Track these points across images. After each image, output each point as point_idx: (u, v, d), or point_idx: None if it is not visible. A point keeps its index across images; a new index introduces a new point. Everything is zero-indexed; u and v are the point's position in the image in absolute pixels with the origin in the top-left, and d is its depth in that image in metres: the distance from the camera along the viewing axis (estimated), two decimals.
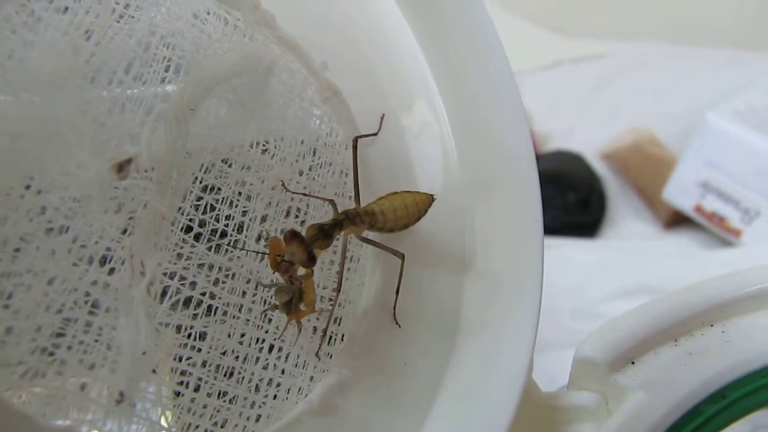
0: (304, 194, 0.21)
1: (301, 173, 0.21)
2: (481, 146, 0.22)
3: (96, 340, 0.16)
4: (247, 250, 0.19)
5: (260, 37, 0.21)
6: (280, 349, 0.19)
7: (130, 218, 0.17)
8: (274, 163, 0.20)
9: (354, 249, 0.21)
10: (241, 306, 0.19)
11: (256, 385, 0.19)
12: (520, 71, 0.78)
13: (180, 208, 0.18)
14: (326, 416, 0.19)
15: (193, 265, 0.18)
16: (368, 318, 0.20)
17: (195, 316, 0.18)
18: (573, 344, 0.20)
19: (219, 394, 0.18)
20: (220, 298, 0.19)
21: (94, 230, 0.17)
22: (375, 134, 0.22)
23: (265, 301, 0.19)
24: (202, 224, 0.19)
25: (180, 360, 0.18)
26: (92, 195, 0.16)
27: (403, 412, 0.19)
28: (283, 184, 0.20)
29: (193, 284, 0.18)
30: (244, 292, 0.19)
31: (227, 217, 0.19)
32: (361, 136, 0.22)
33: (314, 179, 0.21)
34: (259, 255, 0.20)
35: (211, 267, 0.19)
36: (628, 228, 0.65)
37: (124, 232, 0.17)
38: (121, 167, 0.17)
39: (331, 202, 0.21)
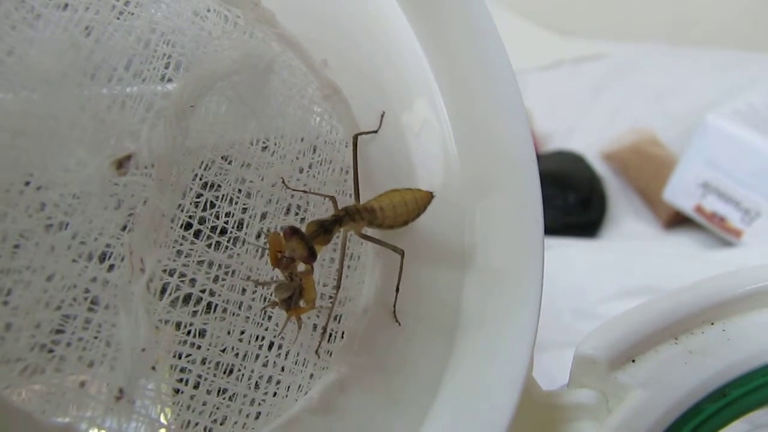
0: (304, 191, 0.21)
1: (301, 170, 0.21)
2: (481, 145, 0.22)
3: (95, 337, 0.16)
4: (248, 246, 0.19)
5: (260, 34, 0.21)
6: (279, 347, 0.19)
7: (130, 215, 0.17)
8: (274, 161, 0.20)
9: (354, 246, 0.21)
10: (241, 303, 0.19)
11: (256, 382, 0.19)
12: (521, 71, 0.78)
13: (180, 205, 0.18)
14: (326, 414, 0.19)
15: (193, 262, 0.18)
16: (368, 316, 0.20)
17: (194, 313, 0.18)
18: (573, 344, 0.20)
19: (218, 391, 0.18)
20: (219, 295, 0.19)
21: (93, 227, 0.17)
22: (375, 131, 0.22)
23: (265, 299, 0.19)
24: (201, 221, 0.19)
25: (179, 357, 0.18)
26: (92, 192, 0.16)
27: (402, 410, 0.19)
28: (283, 182, 0.20)
29: (192, 281, 0.18)
30: (243, 289, 0.19)
31: (227, 214, 0.19)
32: (361, 134, 0.22)
33: (314, 177, 0.21)
34: (259, 252, 0.19)
35: (210, 264, 0.19)
36: (628, 228, 0.65)
37: (124, 228, 0.17)
38: (121, 164, 0.17)
39: (332, 198, 0.21)
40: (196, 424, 0.18)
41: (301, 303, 0.18)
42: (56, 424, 0.15)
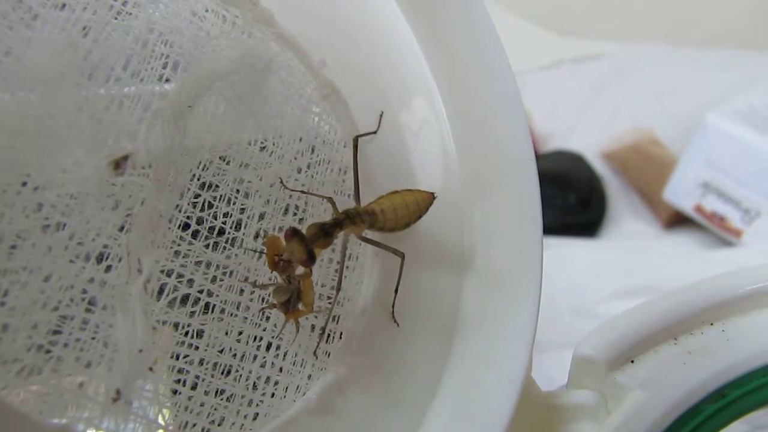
0: (303, 192, 0.21)
1: (299, 171, 0.21)
2: (480, 145, 0.22)
3: (93, 338, 0.16)
4: (245, 249, 0.19)
5: (259, 34, 0.21)
6: (277, 347, 0.19)
7: (127, 215, 0.17)
8: (273, 161, 0.20)
9: (352, 247, 0.21)
10: (239, 304, 0.19)
11: (254, 383, 0.19)
12: (520, 71, 0.78)
13: (177, 206, 0.18)
14: (324, 415, 0.19)
15: (191, 262, 0.18)
16: (367, 316, 0.20)
17: (192, 313, 0.18)
18: (573, 344, 0.20)
19: (216, 392, 0.18)
20: (217, 295, 0.19)
21: (90, 227, 0.17)
22: (374, 132, 0.22)
23: (263, 299, 0.19)
24: (199, 221, 0.19)
25: (177, 358, 0.18)
26: (89, 192, 0.16)
27: (401, 411, 0.19)
28: (281, 182, 0.20)
29: (190, 282, 0.18)
30: (241, 290, 0.19)
31: (225, 215, 0.19)
32: (361, 135, 0.22)
33: (313, 177, 0.21)
34: (257, 253, 0.19)
35: (208, 264, 0.19)
36: (628, 228, 0.65)
37: (121, 229, 0.17)
38: (118, 164, 0.17)
39: (330, 200, 0.21)
40: (194, 425, 0.18)
41: (300, 306, 0.18)
42: (53, 425, 0.15)
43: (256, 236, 0.20)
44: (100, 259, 0.17)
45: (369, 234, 0.21)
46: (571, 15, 0.91)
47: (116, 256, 0.17)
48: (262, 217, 0.20)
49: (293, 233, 0.18)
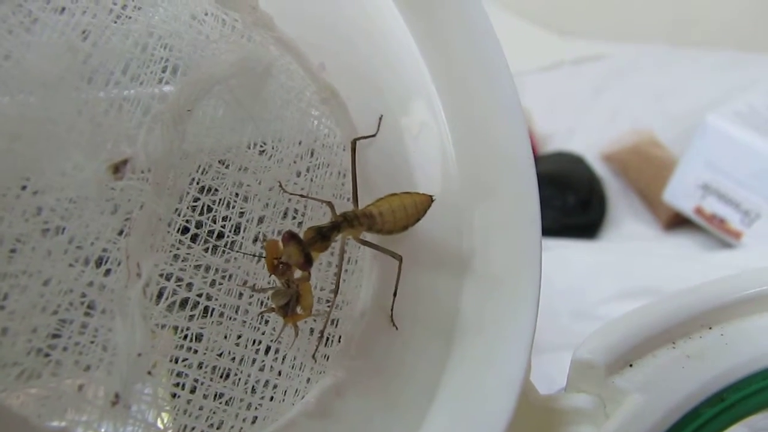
0: (302, 196, 0.21)
1: (298, 174, 0.21)
2: (479, 147, 0.22)
3: (92, 342, 0.16)
4: (244, 252, 0.19)
5: (258, 38, 0.21)
6: (276, 351, 0.19)
7: (127, 219, 0.17)
8: (272, 165, 0.20)
9: (351, 250, 0.21)
10: (238, 307, 0.19)
11: (253, 386, 0.19)
12: (520, 72, 0.78)
13: (177, 210, 0.18)
14: (322, 418, 0.19)
15: (190, 266, 0.18)
16: (365, 319, 0.20)
17: (191, 317, 0.18)
18: (572, 346, 0.20)
19: (215, 395, 0.18)
20: (216, 299, 0.19)
21: (90, 231, 0.17)
22: (373, 136, 0.22)
23: (261, 303, 0.19)
24: (198, 225, 0.19)
25: (176, 361, 0.18)
26: (88, 196, 0.16)
27: (399, 414, 0.19)
28: (280, 186, 0.20)
29: (189, 285, 0.18)
30: (240, 294, 0.19)
31: (224, 219, 0.19)
32: (360, 138, 0.22)
33: (312, 180, 0.21)
34: (256, 257, 0.19)
35: (207, 268, 0.19)
36: (628, 229, 0.65)
37: (121, 233, 0.17)
38: (117, 168, 0.17)
39: (329, 204, 0.21)
40: (193, 428, 0.18)
41: (298, 309, 0.18)
42: (52, 428, 0.15)
43: (255, 240, 0.20)
44: (99, 262, 0.17)
45: (367, 237, 0.21)
46: (570, 16, 0.91)
47: (115, 260, 0.17)
48: (261, 220, 0.20)
49: (290, 237, 0.18)
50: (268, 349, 0.19)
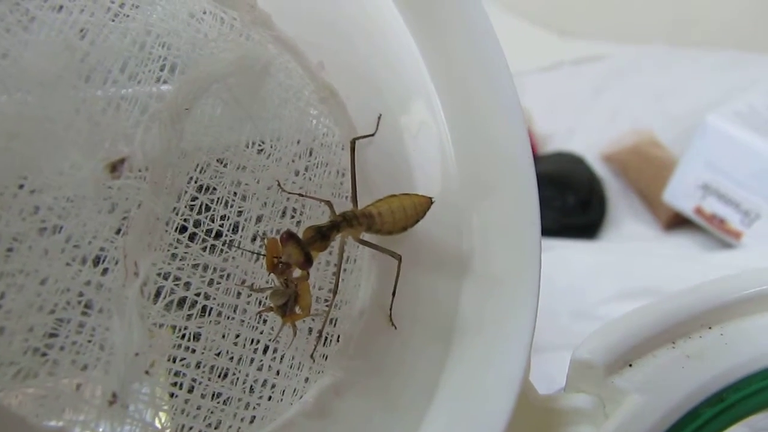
0: (300, 195, 0.21)
1: (297, 173, 0.21)
2: (478, 147, 0.22)
3: (89, 341, 0.16)
4: (243, 250, 0.19)
5: (257, 36, 0.21)
6: (274, 351, 0.19)
7: (124, 218, 0.17)
8: (270, 163, 0.20)
9: (350, 249, 0.21)
10: (236, 307, 0.19)
11: (251, 386, 0.19)
12: (520, 72, 0.78)
13: (174, 208, 0.18)
14: (321, 418, 0.19)
15: (188, 265, 0.18)
16: (364, 319, 0.20)
17: (189, 316, 0.18)
18: (572, 345, 0.20)
19: (213, 395, 0.18)
20: (214, 298, 0.18)
21: (87, 230, 0.16)
22: (372, 135, 0.22)
23: (260, 302, 0.19)
24: (196, 224, 0.19)
25: (174, 361, 0.18)
26: (86, 195, 0.16)
27: (398, 414, 0.19)
28: (279, 184, 0.20)
29: (187, 285, 0.18)
30: (238, 293, 0.19)
31: (222, 218, 0.19)
32: (359, 138, 0.22)
33: (310, 179, 0.21)
34: (255, 256, 0.19)
35: (205, 267, 0.18)
36: (628, 230, 0.65)
37: (118, 232, 0.17)
38: (115, 167, 0.17)
39: (328, 203, 0.21)
40: (191, 428, 0.17)
41: (297, 309, 0.18)
42: (50, 428, 0.15)
43: (254, 239, 0.20)
44: (96, 262, 0.17)
45: (366, 237, 0.21)
46: (570, 16, 0.91)
47: (113, 259, 0.17)
48: (259, 219, 0.20)
49: (289, 236, 0.18)
50: (266, 349, 0.19)
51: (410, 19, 0.22)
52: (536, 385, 0.20)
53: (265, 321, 0.19)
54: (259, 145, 0.20)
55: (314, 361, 0.19)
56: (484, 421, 0.18)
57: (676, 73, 0.77)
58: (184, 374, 0.18)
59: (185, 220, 0.18)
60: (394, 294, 0.20)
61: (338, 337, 0.20)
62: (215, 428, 0.18)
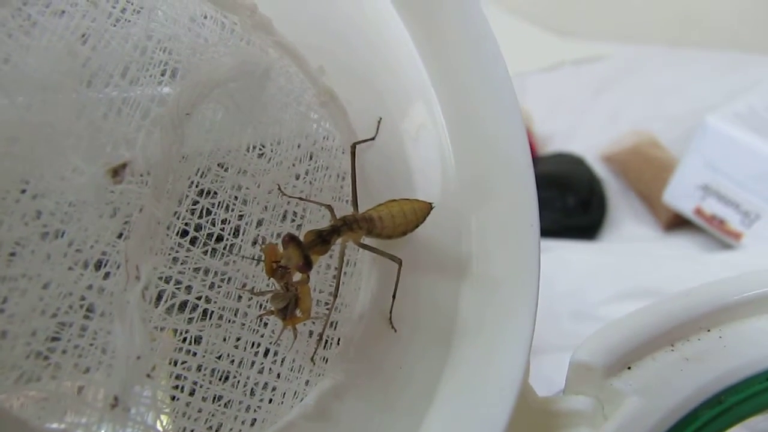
0: (301, 198, 0.21)
1: (297, 177, 0.21)
2: (478, 150, 0.22)
3: (91, 344, 0.16)
4: (243, 255, 0.19)
5: (257, 41, 0.21)
6: (275, 353, 0.19)
7: (126, 222, 0.17)
8: (271, 167, 0.20)
9: (350, 253, 0.21)
10: (237, 310, 0.19)
11: (252, 389, 0.19)
12: (521, 73, 0.79)
13: (176, 213, 0.18)
14: (321, 420, 0.19)
15: (189, 269, 0.18)
16: (364, 322, 0.20)
17: (190, 320, 0.18)
18: (573, 347, 0.20)
19: (214, 398, 0.18)
20: (215, 302, 0.19)
21: (89, 234, 0.17)
22: (372, 139, 0.22)
23: (260, 305, 0.19)
24: (198, 228, 0.19)
25: (175, 364, 0.18)
26: (87, 200, 0.16)
27: (398, 417, 0.19)
28: (279, 189, 0.20)
29: (188, 288, 0.18)
30: (239, 296, 0.19)
31: (223, 221, 0.19)
32: (359, 142, 0.22)
33: (311, 183, 0.21)
34: (255, 259, 0.20)
35: (206, 271, 0.19)
36: (628, 230, 0.65)
37: (120, 236, 0.17)
38: (117, 172, 0.17)
39: (328, 207, 0.21)
40: (192, 430, 0.18)
41: (297, 312, 0.18)
42: (52, 431, 0.15)
43: (254, 243, 0.20)
44: (98, 266, 0.17)
45: (367, 240, 0.21)
46: (571, 17, 0.91)
47: (114, 263, 0.17)
48: (260, 223, 0.20)
49: (290, 240, 0.18)
50: (267, 352, 0.19)
51: (410, 23, 0.23)
52: (536, 387, 0.20)
53: (265, 324, 0.19)
54: (260, 149, 0.20)
55: (315, 363, 0.19)
56: (483, 423, 0.18)
57: (676, 74, 0.77)
58: (185, 377, 0.18)
59: (186, 224, 0.18)
60: (394, 297, 0.20)
61: (338, 340, 0.20)
62: (216, 431, 0.18)
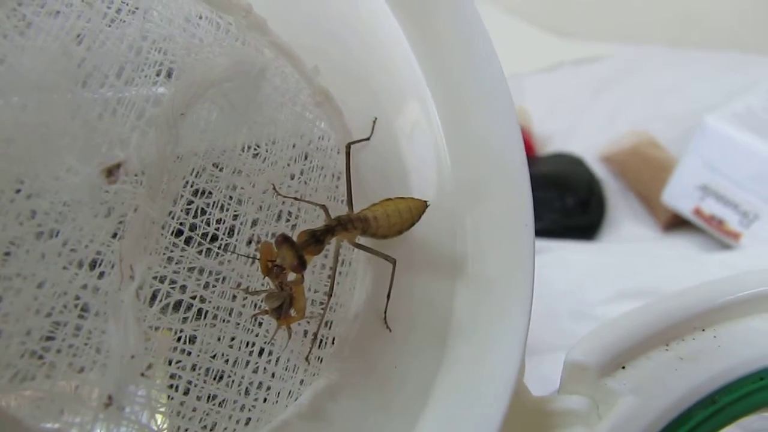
0: (296, 198, 0.21)
1: (292, 177, 0.21)
2: (473, 150, 0.22)
3: (85, 344, 0.16)
4: (238, 254, 0.19)
5: (252, 41, 0.21)
6: (270, 353, 0.19)
7: (120, 222, 0.17)
8: (266, 167, 0.21)
9: (345, 252, 0.21)
10: (231, 309, 0.19)
11: (246, 388, 0.19)
12: (519, 73, 0.79)
13: (170, 212, 0.18)
14: (316, 420, 0.19)
15: (184, 268, 0.18)
16: (359, 322, 0.20)
17: (185, 319, 0.18)
18: (570, 347, 0.20)
19: (209, 397, 0.18)
20: (210, 301, 0.19)
21: (84, 234, 0.17)
22: (367, 139, 0.22)
23: (255, 305, 0.19)
24: (192, 228, 0.19)
25: (170, 363, 0.18)
26: (82, 199, 0.17)
27: (393, 417, 0.19)
28: (274, 188, 0.20)
29: (183, 288, 0.18)
30: (234, 296, 0.19)
31: (218, 221, 0.19)
32: (354, 142, 0.22)
33: (306, 183, 0.21)
34: (250, 259, 0.20)
35: (201, 271, 0.19)
36: (627, 231, 0.65)
37: (114, 236, 0.17)
38: (111, 171, 0.17)
39: (323, 207, 0.21)
40: (186, 429, 0.18)
41: (291, 312, 0.18)
42: (46, 430, 0.15)
43: (249, 242, 0.20)
44: (93, 265, 0.17)
45: (362, 240, 0.21)
46: (570, 17, 0.91)
47: (109, 263, 0.17)
48: (254, 223, 0.20)
49: (284, 240, 0.18)
50: (261, 351, 0.19)
51: (405, 22, 0.23)
52: (535, 386, 0.20)
53: (260, 324, 0.19)
54: (255, 149, 0.20)
55: (309, 363, 0.20)
56: (477, 422, 0.18)
57: (675, 74, 0.77)
58: (179, 376, 0.18)
59: (181, 223, 0.19)
60: (388, 297, 0.20)
61: (333, 339, 0.20)
62: (211, 430, 0.18)
